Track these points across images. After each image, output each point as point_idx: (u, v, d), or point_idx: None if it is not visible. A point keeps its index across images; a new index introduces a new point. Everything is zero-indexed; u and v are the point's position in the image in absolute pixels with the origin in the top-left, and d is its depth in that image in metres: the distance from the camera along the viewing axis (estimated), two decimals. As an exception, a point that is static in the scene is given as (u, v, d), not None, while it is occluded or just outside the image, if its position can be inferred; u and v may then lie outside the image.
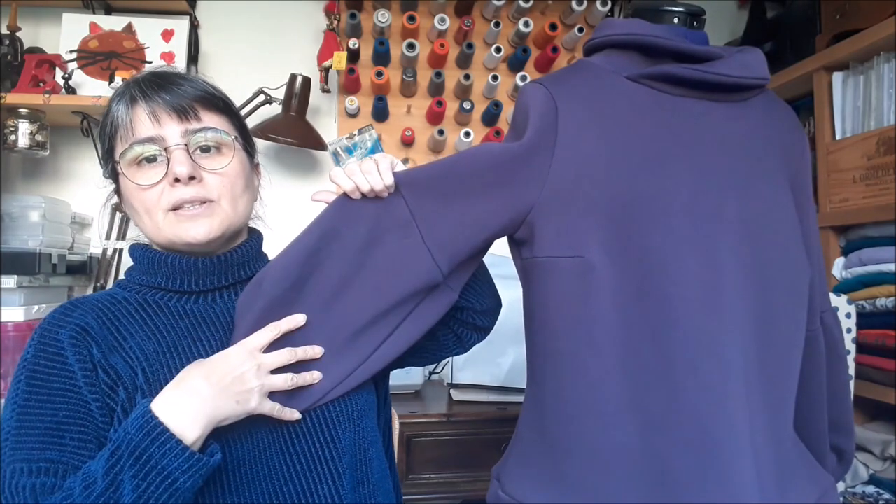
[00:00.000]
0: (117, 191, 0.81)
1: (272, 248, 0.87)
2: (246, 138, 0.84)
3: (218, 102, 0.80)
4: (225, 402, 0.67)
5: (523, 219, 0.76)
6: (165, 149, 0.74)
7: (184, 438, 0.63)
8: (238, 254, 0.81)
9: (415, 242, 0.78)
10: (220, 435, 0.71)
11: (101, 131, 0.79)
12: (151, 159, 0.75)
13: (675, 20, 0.82)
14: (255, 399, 0.69)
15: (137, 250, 0.81)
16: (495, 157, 0.77)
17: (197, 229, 0.76)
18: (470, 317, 0.92)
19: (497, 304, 0.97)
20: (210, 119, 0.78)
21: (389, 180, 0.78)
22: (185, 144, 0.75)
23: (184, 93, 0.76)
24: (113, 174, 0.79)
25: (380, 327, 0.79)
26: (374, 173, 0.77)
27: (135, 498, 0.60)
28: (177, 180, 0.74)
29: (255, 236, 0.86)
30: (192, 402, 0.65)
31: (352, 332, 0.78)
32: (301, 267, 0.77)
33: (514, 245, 0.82)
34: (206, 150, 0.77)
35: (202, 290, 0.79)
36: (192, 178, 0.74)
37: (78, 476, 0.63)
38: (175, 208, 0.75)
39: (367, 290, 0.78)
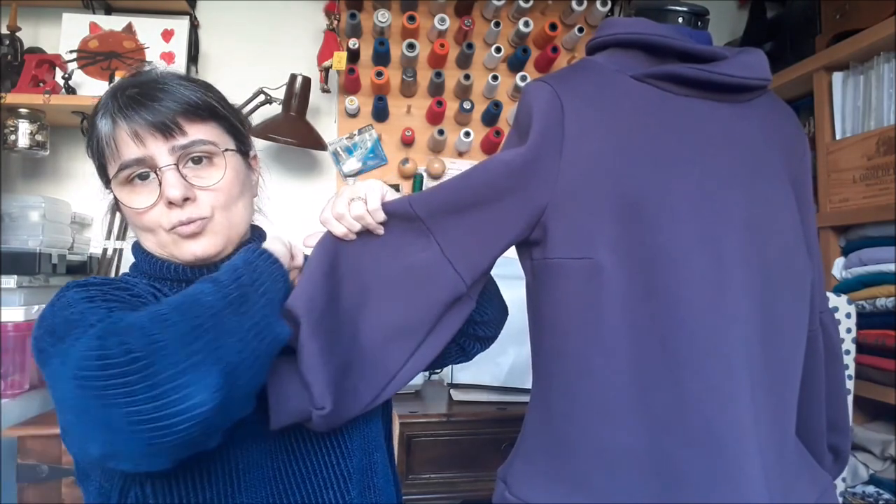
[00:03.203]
0: (116, 202, 0.79)
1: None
2: (238, 137, 0.81)
3: (201, 112, 0.76)
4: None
5: (537, 220, 0.76)
6: (157, 169, 0.73)
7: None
8: None
9: (435, 255, 0.77)
10: (229, 437, 0.71)
11: (88, 146, 0.77)
12: (144, 176, 0.73)
13: (680, 20, 0.82)
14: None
15: (139, 252, 0.80)
16: (506, 165, 0.76)
17: (195, 247, 0.75)
18: (471, 327, 0.91)
19: (503, 314, 0.96)
20: (196, 131, 0.75)
21: (381, 217, 0.76)
22: (176, 164, 0.73)
23: (164, 108, 0.73)
24: (109, 186, 0.77)
25: (406, 341, 0.78)
26: (365, 217, 0.76)
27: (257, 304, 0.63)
28: (171, 203, 0.73)
29: (257, 234, 0.85)
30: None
31: (380, 346, 0.77)
32: (323, 289, 0.75)
33: (525, 246, 0.81)
34: (198, 161, 0.75)
35: None
36: (185, 198, 0.73)
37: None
38: (173, 227, 0.75)
39: (390, 303, 0.77)
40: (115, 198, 0.78)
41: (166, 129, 0.72)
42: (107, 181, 0.77)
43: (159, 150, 0.73)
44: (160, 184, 0.73)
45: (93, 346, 0.53)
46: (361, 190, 0.77)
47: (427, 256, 0.77)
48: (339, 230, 0.77)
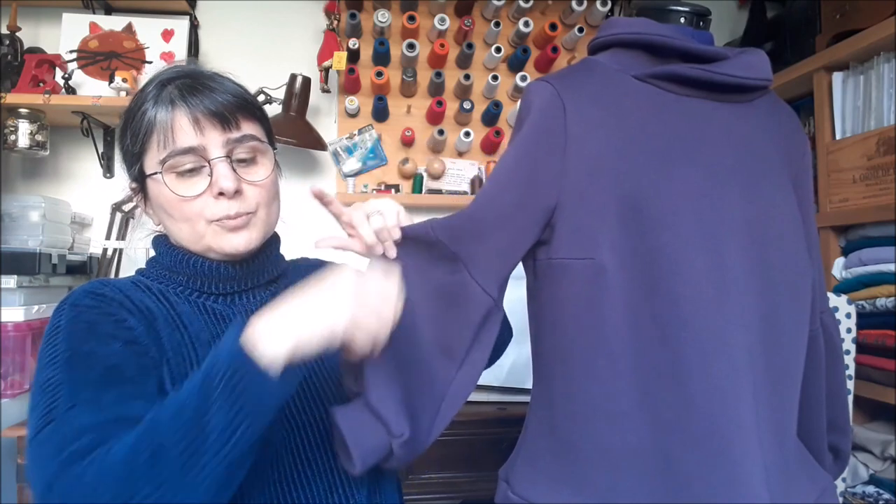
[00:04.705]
0: (142, 192, 0.79)
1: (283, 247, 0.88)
2: (271, 137, 0.83)
3: (254, 109, 0.78)
4: (311, 316, 0.60)
5: (548, 222, 0.77)
6: (209, 161, 0.73)
7: (273, 361, 0.58)
8: (258, 260, 0.81)
9: (463, 278, 0.77)
10: None
11: (129, 131, 0.76)
12: (191, 170, 0.74)
13: (682, 20, 0.82)
14: (342, 317, 0.61)
15: (161, 245, 0.80)
16: (512, 180, 0.77)
17: (238, 240, 0.76)
18: None
19: (507, 335, 0.96)
20: (248, 126, 0.77)
21: (397, 234, 0.78)
22: (229, 157, 0.74)
23: (224, 100, 0.74)
24: (140, 176, 0.77)
25: (449, 360, 0.77)
26: (383, 232, 0.77)
27: (225, 423, 0.57)
28: (221, 194, 0.73)
29: (275, 239, 0.86)
30: (282, 321, 0.60)
31: (429, 366, 0.77)
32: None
33: (531, 246, 0.81)
34: (242, 160, 0.76)
35: (221, 293, 0.79)
36: (236, 191, 0.74)
37: (164, 406, 0.59)
38: (218, 219, 0.75)
39: (431, 322, 0.77)
40: (143, 184, 0.77)
41: (225, 121, 0.74)
42: (140, 168, 0.76)
43: (214, 141, 0.74)
44: (210, 174, 0.73)
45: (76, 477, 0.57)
46: (377, 206, 0.78)
47: (456, 279, 0.77)
48: (370, 239, 0.77)
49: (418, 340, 0.76)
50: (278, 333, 0.59)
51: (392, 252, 0.78)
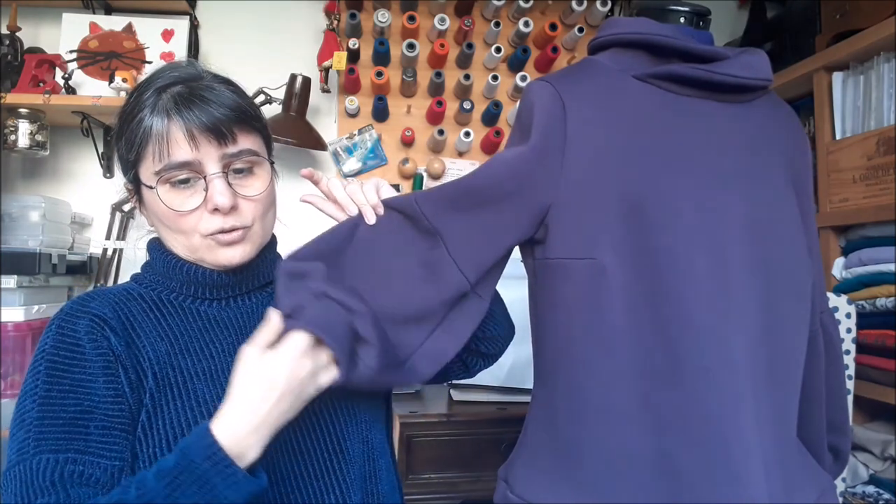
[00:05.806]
0: (137, 196, 0.78)
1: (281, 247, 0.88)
2: (269, 146, 0.82)
3: (252, 122, 0.77)
4: (286, 406, 0.65)
5: (541, 220, 0.76)
6: (204, 176, 0.73)
7: (242, 460, 0.61)
8: (253, 266, 0.81)
9: (441, 254, 0.77)
10: None
11: (125, 137, 0.75)
12: (185, 179, 0.73)
13: (682, 20, 0.82)
14: (312, 387, 0.67)
15: (155, 251, 0.80)
16: (508, 166, 0.76)
17: (233, 254, 0.76)
18: (476, 343, 0.90)
19: (509, 332, 0.96)
20: (245, 140, 0.76)
21: (374, 199, 0.81)
22: (225, 172, 0.74)
23: (221, 114, 0.73)
24: (135, 181, 0.76)
25: (410, 334, 0.78)
26: (358, 193, 0.80)
27: None
28: (216, 209, 0.73)
29: (271, 243, 0.85)
30: (251, 421, 0.63)
31: (392, 329, 0.77)
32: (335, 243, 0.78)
33: (528, 245, 0.81)
34: (239, 171, 0.76)
35: (216, 298, 0.79)
36: (231, 207, 0.74)
37: (130, 486, 0.61)
38: (212, 234, 0.75)
39: (393, 295, 0.77)
40: (138, 189, 0.77)
41: (221, 136, 0.73)
42: (135, 175, 0.76)
43: (210, 156, 0.73)
44: (206, 189, 0.73)
45: None
46: (358, 181, 0.82)
47: (433, 255, 0.77)
48: (343, 198, 0.81)
49: (388, 308, 0.76)
50: (252, 434, 0.62)
51: (371, 218, 0.79)
